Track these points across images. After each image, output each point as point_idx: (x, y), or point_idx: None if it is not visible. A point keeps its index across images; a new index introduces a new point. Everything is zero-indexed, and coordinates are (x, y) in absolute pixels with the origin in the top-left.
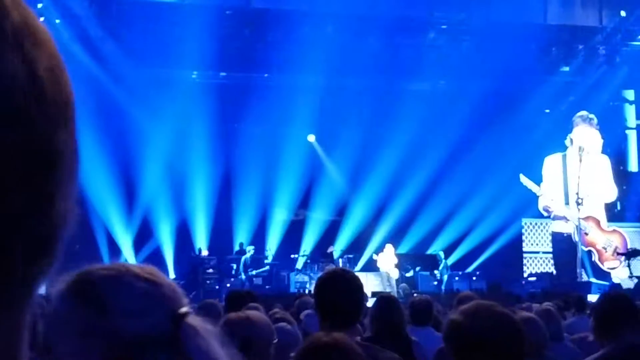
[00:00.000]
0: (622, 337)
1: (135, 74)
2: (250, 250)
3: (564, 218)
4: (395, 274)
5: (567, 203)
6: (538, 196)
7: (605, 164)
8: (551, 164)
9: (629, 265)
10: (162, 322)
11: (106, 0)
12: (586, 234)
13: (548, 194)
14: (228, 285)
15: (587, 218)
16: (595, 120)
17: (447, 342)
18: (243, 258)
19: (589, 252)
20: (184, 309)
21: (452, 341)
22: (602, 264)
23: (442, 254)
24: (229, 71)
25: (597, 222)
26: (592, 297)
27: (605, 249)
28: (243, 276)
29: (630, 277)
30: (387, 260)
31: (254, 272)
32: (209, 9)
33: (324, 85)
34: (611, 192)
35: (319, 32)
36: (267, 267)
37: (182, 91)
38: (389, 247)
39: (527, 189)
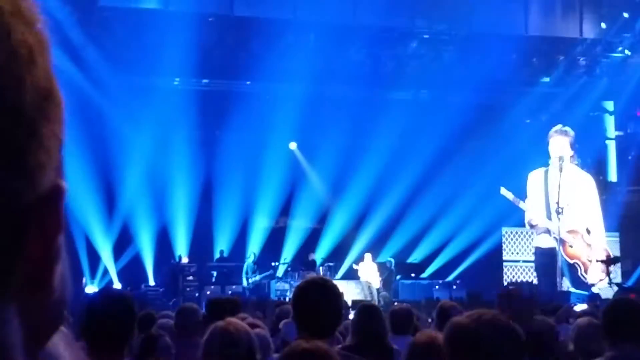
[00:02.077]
0: (624, 346)
1: (117, 81)
2: (250, 256)
3: (548, 231)
4: (376, 282)
5: (549, 217)
6: (519, 207)
7: (590, 185)
8: (533, 178)
9: (608, 273)
10: None
11: (88, 7)
12: (570, 246)
13: (530, 207)
14: (208, 292)
15: (571, 231)
16: (571, 133)
17: (451, 346)
18: (245, 265)
19: (575, 264)
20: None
21: (456, 346)
22: (588, 275)
23: (392, 261)
24: (211, 78)
25: (581, 235)
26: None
27: (590, 261)
28: (246, 283)
29: (610, 284)
30: (367, 269)
31: (257, 278)
32: (191, 16)
33: (306, 93)
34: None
35: (301, 40)
36: (271, 271)
37: (164, 98)
38: (368, 256)
39: (507, 198)
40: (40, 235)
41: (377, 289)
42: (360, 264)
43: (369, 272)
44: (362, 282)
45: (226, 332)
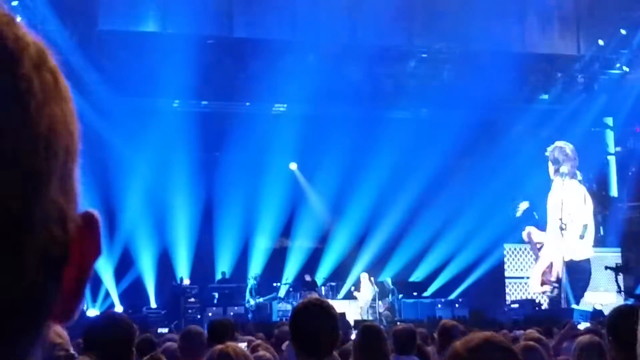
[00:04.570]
0: None
1: (117, 103)
2: (253, 277)
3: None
4: (368, 299)
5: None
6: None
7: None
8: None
9: (616, 280)
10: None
11: (87, 30)
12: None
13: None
14: (210, 314)
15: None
16: (568, 148)
17: None
18: (249, 286)
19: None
20: (72, 351)
21: None
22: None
23: (389, 281)
24: (210, 100)
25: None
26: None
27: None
28: (252, 302)
29: (619, 291)
30: (365, 288)
31: (260, 300)
32: (190, 38)
33: (305, 113)
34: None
35: (300, 61)
36: (275, 294)
37: (164, 120)
38: (365, 276)
39: (510, 215)
40: (80, 259)
41: (376, 307)
42: (360, 285)
43: (367, 292)
44: (360, 303)
45: (225, 356)
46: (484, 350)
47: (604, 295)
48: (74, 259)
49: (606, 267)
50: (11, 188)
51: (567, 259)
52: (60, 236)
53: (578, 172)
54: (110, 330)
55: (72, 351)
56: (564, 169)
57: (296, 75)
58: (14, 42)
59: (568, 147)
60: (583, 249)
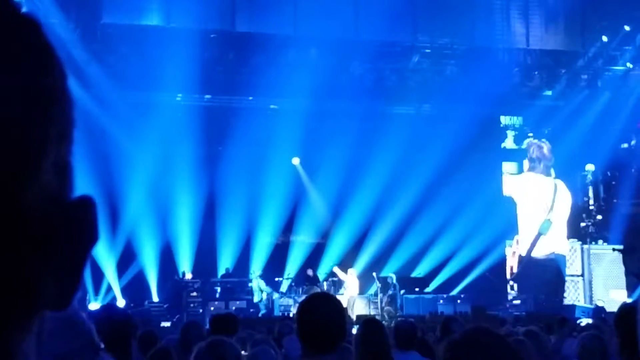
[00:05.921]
0: None
1: (120, 97)
2: (257, 275)
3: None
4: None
5: None
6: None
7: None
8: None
9: (624, 263)
10: (84, 347)
11: (91, 24)
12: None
13: None
14: (212, 308)
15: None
16: (546, 147)
17: None
18: (256, 283)
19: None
20: (102, 345)
21: None
22: None
23: (393, 277)
24: (213, 94)
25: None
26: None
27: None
28: (264, 296)
29: (627, 274)
30: (353, 283)
31: (268, 289)
32: (193, 32)
33: (308, 108)
34: None
35: (303, 55)
36: (271, 292)
37: (167, 114)
38: (352, 271)
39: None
40: (76, 244)
41: (381, 304)
42: (347, 277)
43: (353, 286)
44: (367, 296)
45: (212, 349)
46: (476, 336)
47: (623, 292)
48: (70, 244)
49: (614, 249)
50: (1, 167)
51: (556, 254)
52: (55, 220)
53: (552, 169)
54: (106, 323)
55: (97, 341)
56: (541, 166)
57: (299, 69)
58: (8, 17)
59: (546, 146)
60: (565, 245)
